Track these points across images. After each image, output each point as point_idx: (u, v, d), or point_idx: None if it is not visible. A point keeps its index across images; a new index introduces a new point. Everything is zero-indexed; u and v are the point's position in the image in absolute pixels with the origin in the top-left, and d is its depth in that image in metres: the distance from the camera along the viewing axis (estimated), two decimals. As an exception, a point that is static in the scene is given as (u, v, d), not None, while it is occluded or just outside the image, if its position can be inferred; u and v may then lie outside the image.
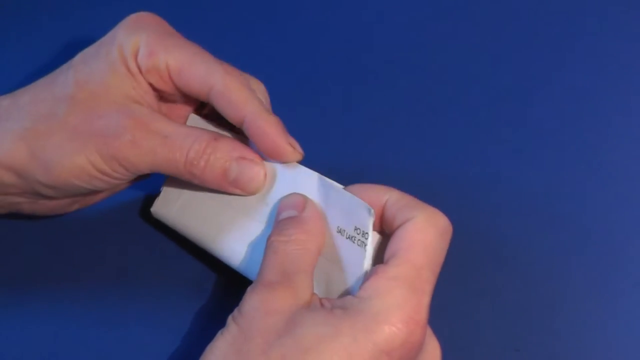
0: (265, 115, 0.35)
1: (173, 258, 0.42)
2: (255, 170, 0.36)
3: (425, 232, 0.32)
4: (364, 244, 0.33)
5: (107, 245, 0.42)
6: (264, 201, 0.36)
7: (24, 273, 0.41)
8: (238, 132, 0.37)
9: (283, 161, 0.35)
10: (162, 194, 0.40)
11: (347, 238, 0.33)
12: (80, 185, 0.35)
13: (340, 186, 0.35)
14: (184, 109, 0.38)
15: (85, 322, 0.40)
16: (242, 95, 0.35)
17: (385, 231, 0.35)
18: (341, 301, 0.31)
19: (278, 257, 0.33)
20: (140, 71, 0.35)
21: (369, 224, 0.32)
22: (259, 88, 0.38)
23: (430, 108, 0.47)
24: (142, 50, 0.35)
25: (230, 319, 0.32)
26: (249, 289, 0.32)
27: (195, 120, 0.39)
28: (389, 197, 0.34)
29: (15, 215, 0.40)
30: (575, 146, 0.45)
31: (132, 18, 0.36)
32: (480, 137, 0.45)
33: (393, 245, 0.32)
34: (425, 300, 0.31)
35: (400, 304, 0.30)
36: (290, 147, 0.35)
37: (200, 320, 0.40)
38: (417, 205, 0.33)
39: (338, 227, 0.34)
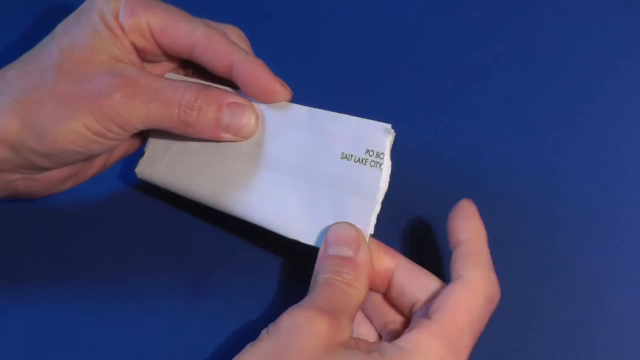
0: (252, 58, 0.36)
1: (171, 257, 0.42)
2: (247, 114, 0.37)
3: (473, 296, 0.32)
4: (379, 165, 0.34)
5: (104, 245, 0.42)
6: (255, 143, 0.37)
7: (20, 270, 0.41)
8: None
9: (274, 101, 0.36)
10: (146, 154, 0.40)
11: (356, 162, 0.34)
12: (76, 150, 0.35)
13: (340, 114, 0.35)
14: (164, 70, 0.39)
15: (83, 322, 0.40)
16: (227, 44, 0.36)
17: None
18: (378, 345, 0.32)
19: (333, 290, 0.33)
20: (123, 30, 0.36)
21: (385, 144, 0.33)
22: (239, 35, 0.39)
23: (432, 104, 0.46)
24: (122, 10, 0.36)
25: (264, 332, 0.31)
26: (291, 307, 0.32)
27: (174, 78, 0.39)
28: (465, 238, 0.34)
29: (12, 205, 0.40)
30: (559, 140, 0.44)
31: None
32: (481, 136, 0.45)
33: (440, 300, 0.33)
34: None
35: None
36: (281, 86, 0.36)
37: (198, 319, 0.40)
38: (476, 263, 0.33)
39: (342, 153, 0.35)
